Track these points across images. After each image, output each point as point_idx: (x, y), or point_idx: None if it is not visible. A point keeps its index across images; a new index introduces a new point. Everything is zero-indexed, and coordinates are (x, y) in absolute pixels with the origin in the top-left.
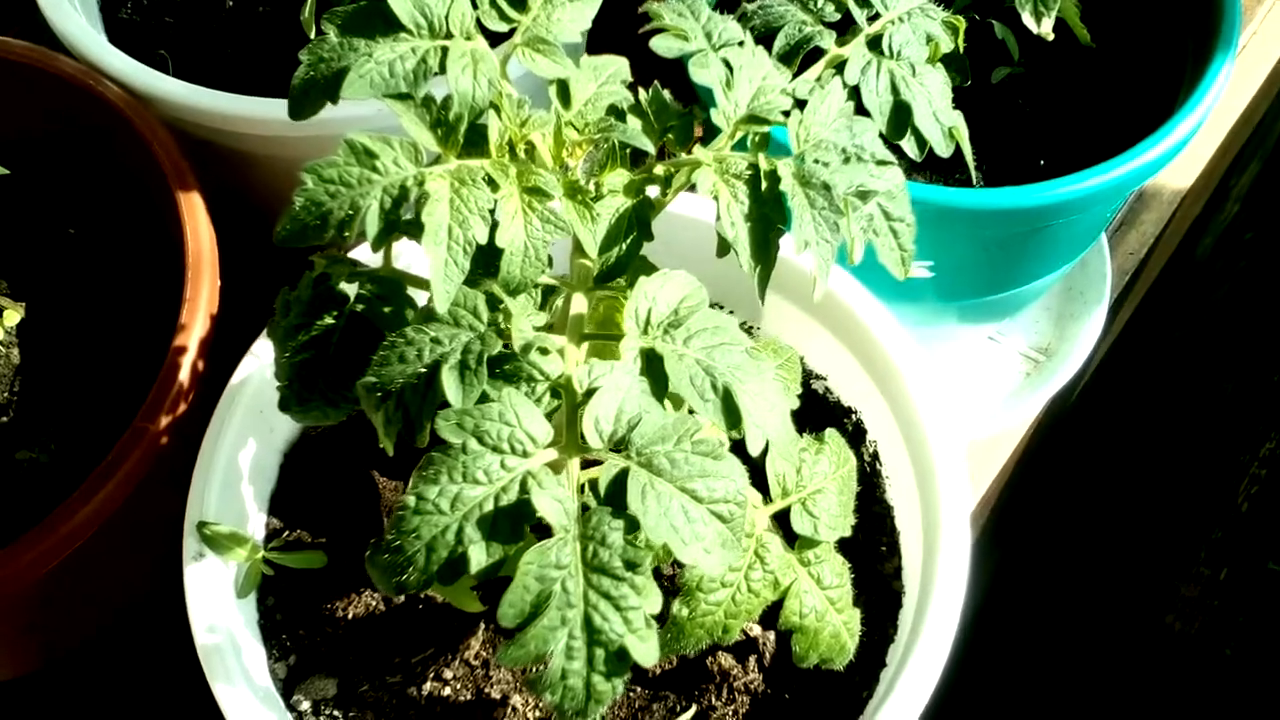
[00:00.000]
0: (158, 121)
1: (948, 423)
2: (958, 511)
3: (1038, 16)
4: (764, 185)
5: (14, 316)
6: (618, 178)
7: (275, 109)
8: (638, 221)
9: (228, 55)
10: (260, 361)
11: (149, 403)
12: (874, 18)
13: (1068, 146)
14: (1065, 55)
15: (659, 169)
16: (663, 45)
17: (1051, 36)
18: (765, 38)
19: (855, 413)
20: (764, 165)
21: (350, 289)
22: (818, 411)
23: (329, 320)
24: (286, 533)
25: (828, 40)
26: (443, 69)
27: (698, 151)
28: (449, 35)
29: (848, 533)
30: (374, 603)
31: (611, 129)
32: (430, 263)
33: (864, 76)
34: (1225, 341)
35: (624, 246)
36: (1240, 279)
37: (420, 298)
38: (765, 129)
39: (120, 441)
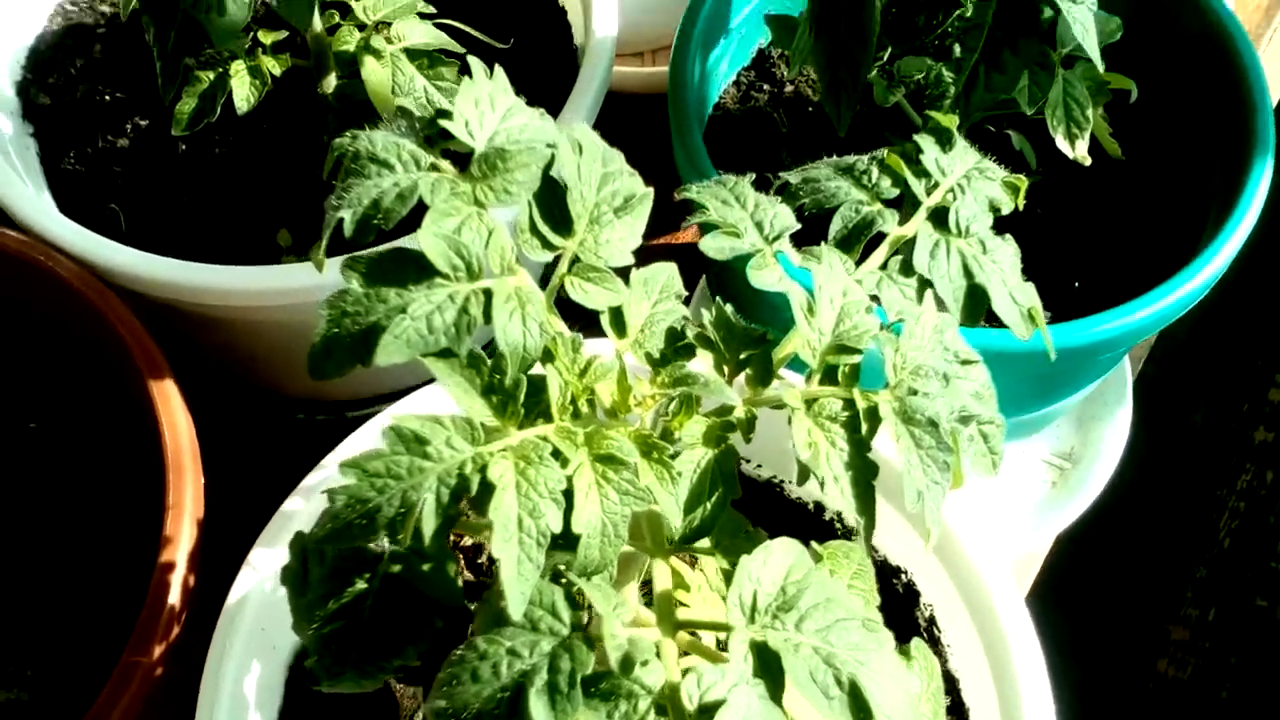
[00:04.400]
0: (119, 301)
1: (1031, 631)
2: None
3: (1071, 139)
4: (864, 428)
5: None
6: (695, 425)
7: (239, 279)
8: (722, 475)
9: (184, 204)
10: (258, 574)
11: (138, 632)
12: (932, 187)
13: (1089, 261)
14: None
15: (739, 411)
16: (713, 247)
17: (1088, 161)
18: (815, 218)
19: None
20: (861, 403)
21: (382, 543)
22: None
23: (360, 585)
24: None
25: (889, 222)
26: (487, 318)
27: (784, 392)
28: (488, 275)
29: None
30: None
31: (688, 382)
32: (502, 564)
33: (934, 261)
34: (1191, 371)
35: (709, 505)
36: (1206, 309)
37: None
38: (856, 359)
39: (111, 680)
